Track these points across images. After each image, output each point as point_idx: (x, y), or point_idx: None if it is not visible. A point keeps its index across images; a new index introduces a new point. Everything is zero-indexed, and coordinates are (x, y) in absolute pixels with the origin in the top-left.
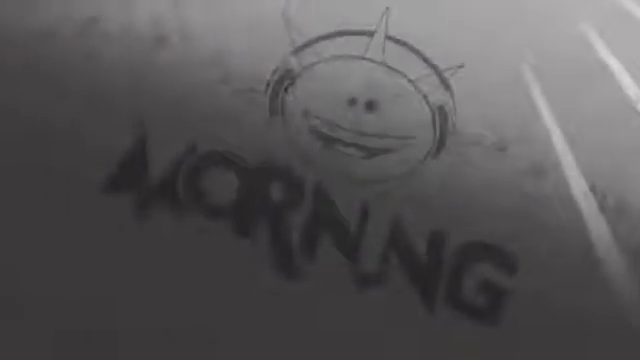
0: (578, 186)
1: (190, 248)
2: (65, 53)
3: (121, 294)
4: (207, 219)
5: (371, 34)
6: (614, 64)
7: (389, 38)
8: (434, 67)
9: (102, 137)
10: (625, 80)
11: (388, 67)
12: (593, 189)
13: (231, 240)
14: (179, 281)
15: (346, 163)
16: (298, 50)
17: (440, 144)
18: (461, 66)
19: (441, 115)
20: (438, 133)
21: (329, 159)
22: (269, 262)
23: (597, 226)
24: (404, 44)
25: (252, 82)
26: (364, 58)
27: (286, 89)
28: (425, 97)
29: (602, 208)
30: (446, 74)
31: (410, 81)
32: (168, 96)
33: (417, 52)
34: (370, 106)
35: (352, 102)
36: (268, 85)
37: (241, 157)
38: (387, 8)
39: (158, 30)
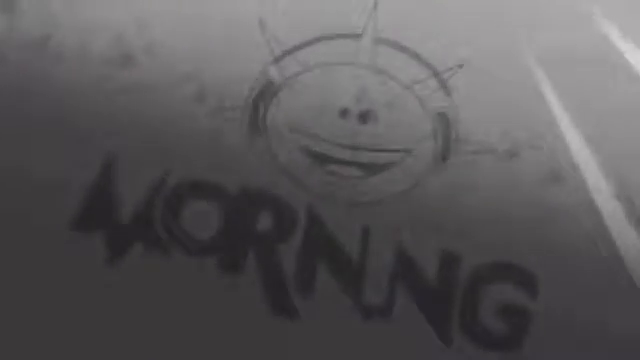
0: (601, 193)
1: (172, 291)
2: (14, 76)
3: (96, 344)
4: (189, 256)
5: (358, 37)
6: (634, 55)
7: (379, 40)
8: (431, 69)
9: (64, 169)
10: None
11: (380, 72)
12: (618, 196)
13: (218, 278)
14: (162, 327)
15: (341, 183)
16: (278, 59)
17: (444, 154)
18: (461, 66)
19: (443, 122)
20: (440, 142)
21: (322, 180)
22: (261, 300)
23: (625, 237)
24: (396, 45)
25: (229, 99)
26: (353, 64)
27: (268, 103)
28: (423, 103)
29: (630, 216)
30: (445, 76)
31: (406, 86)
32: (137, 120)
33: (411, 53)
34: (364, 117)
35: (344, 114)
36: (247, 101)
37: (222, 184)
38: (375, 6)
39: (122, 48)
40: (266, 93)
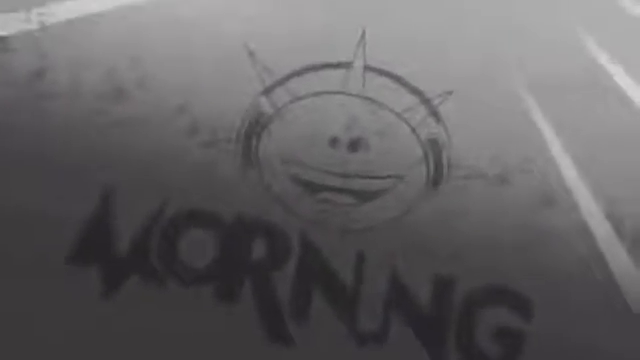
0: (593, 215)
1: (168, 321)
2: (7, 112)
3: None
4: (185, 287)
5: (348, 65)
6: (623, 78)
7: (368, 68)
8: (421, 96)
9: (60, 204)
10: (636, 94)
11: (370, 100)
12: (609, 216)
13: (214, 307)
14: (160, 359)
15: (334, 211)
16: (269, 90)
17: (435, 181)
18: (451, 92)
19: (434, 149)
20: (432, 168)
21: (314, 208)
22: (257, 328)
23: (617, 258)
24: (385, 73)
25: (222, 131)
26: (343, 93)
27: (259, 134)
28: (414, 130)
29: (621, 238)
30: (435, 103)
31: (396, 114)
32: (131, 153)
33: (401, 81)
34: (354, 145)
35: (334, 142)
36: (239, 132)
37: (217, 214)
38: (363, 35)
39: (114, 83)
40: (258, 124)
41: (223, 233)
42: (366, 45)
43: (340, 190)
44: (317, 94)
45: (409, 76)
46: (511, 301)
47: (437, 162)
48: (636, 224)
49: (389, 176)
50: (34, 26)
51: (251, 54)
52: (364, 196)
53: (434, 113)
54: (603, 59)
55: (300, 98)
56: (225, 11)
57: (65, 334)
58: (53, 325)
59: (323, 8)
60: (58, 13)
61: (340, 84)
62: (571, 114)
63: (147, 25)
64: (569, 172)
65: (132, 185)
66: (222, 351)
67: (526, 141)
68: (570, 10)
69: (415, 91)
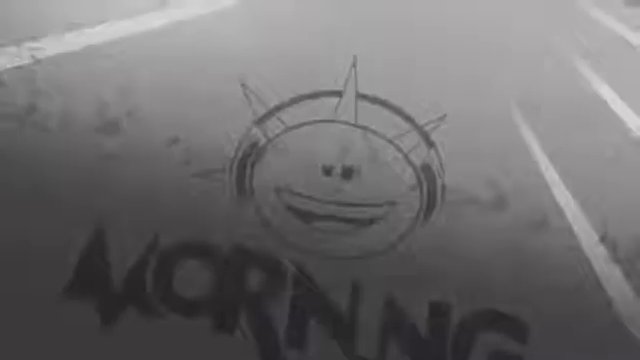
0: (586, 236)
1: (167, 352)
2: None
3: None
4: (182, 318)
5: (339, 94)
6: (614, 98)
7: (360, 96)
8: (413, 122)
9: (54, 237)
10: (626, 113)
11: (362, 128)
12: (603, 238)
13: (211, 338)
14: None
15: (329, 240)
16: (261, 120)
17: (429, 207)
18: (442, 118)
19: (427, 175)
20: (426, 195)
21: (309, 237)
22: (255, 357)
23: (611, 279)
24: (377, 101)
25: (215, 161)
26: (335, 121)
27: (253, 165)
28: (407, 157)
29: (615, 258)
30: (427, 129)
31: (389, 141)
32: (125, 186)
33: (392, 108)
34: (347, 173)
35: (327, 171)
36: (233, 162)
37: (212, 245)
38: (354, 63)
39: (106, 116)
40: (251, 154)
41: (218, 264)
42: (357, 73)
43: (334, 218)
44: (309, 123)
45: (401, 103)
46: (506, 325)
47: (430, 188)
48: (630, 245)
49: (383, 203)
50: (25, 60)
51: (243, 85)
52: (359, 224)
53: (427, 139)
54: (596, 83)
55: (293, 127)
56: (216, 43)
57: None
58: (51, 358)
59: (314, 37)
60: (49, 47)
61: (332, 112)
62: (565, 138)
63: (138, 57)
64: (562, 195)
65: (126, 217)
66: None
67: (519, 166)
68: (564, 37)
69: (407, 118)
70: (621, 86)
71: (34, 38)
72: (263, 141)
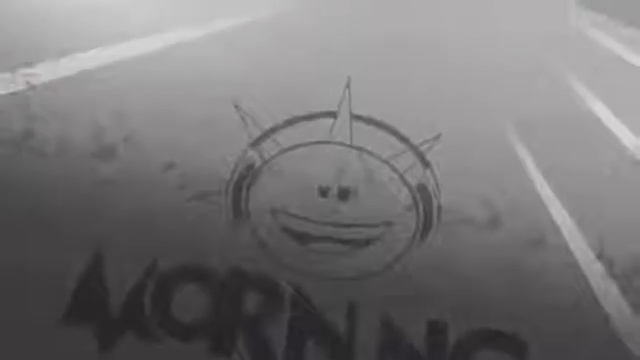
0: (583, 254)
1: None
2: None
3: None
4: (181, 342)
5: (334, 115)
6: (608, 115)
7: (354, 117)
8: (408, 142)
9: (52, 263)
10: (622, 130)
11: (357, 148)
12: (600, 256)
13: None
14: None
15: (325, 261)
16: (256, 142)
17: (426, 227)
18: (437, 137)
19: (423, 194)
20: (422, 214)
21: (306, 259)
22: None
23: (609, 296)
24: (371, 121)
25: (211, 184)
26: (330, 142)
27: (249, 187)
28: (403, 177)
29: (612, 275)
30: (422, 148)
31: (384, 161)
32: (123, 210)
33: (387, 128)
34: (344, 194)
35: (323, 192)
36: (229, 185)
37: (209, 268)
38: (348, 83)
39: (102, 141)
40: (247, 176)
41: (216, 287)
42: (351, 94)
43: (331, 239)
44: (305, 144)
45: (396, 123)
46: (504, 344)
47: (427, 208)
48: (627, 262)
49: (379, 224)
50: (20, 87)
51: (237, 107)
52: (355, 244)
53: (422, 159)
54: (590, 100)
55: (288, 149)
56: (210, 66)
57: None
58: None
59: (307, 59)
60: (43, 73)
61: (327, 133)
62: (560, 156)
63: (132, 83)
64: (558, 213)
65: (124, 242)
66: None
67: (515, 184)
68: (559, 55)
69: (402, 138)
70: (615, 103)
71: (28, 64)
72: (259, 163)
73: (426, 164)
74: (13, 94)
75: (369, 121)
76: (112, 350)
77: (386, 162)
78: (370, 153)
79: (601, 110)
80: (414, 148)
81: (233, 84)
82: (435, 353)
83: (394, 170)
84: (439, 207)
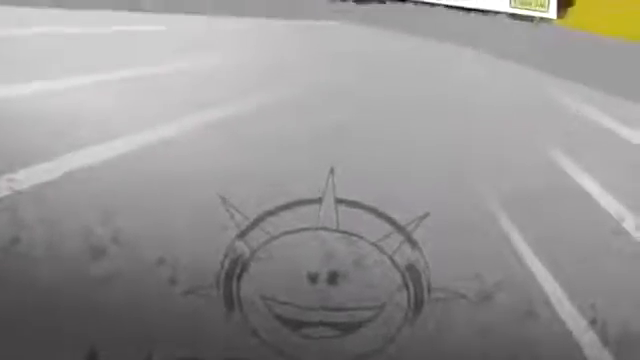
0: (575, 322)
1: None
2: None
3: None
4: None
5: (319, 201)
6: (592, 187)
7: (339, 201)
8: (394, 224)
9: None
10: (607, 200)
11: (344, 233)
12: (592, 323)
13: None
14: None
15: (317, 345)
16: (244, 233)
17: (417, 306)
18: (424, 217)
19: (412, 274)
20: (412, 294)
21: (298, 344)
22: None
23: None
24: (357, 205)
25: (202, 278)
26: (317, 228)
27: (239, 277)
28: (391, 258)
29: (605, 342)
30: (409, 229)
31: (372, 244)
32: (115, 309)
33: (373, 210)
34: (333, 279)
35: (313, 278)
36: (219, 277)
37: (203, 359)
38: (331, 170)
39: (90, 241)
40: (236, 267)
41: None
42: (335, 179)
43: (322, 324)
44: (292, 232)
45: (381, 205)
46: None
47: (417, 287)
48: (619, 328)
49: (370, 307)
50: (5, 192)
51: (224, 200)
52: (347, 328)
53: (409, 239)
54: (573, 170)
55: (275, 237)
56: (194, 162)
57: None
58: None
59: (289, 149)
60: (28, 178)
61: (313, 219)
62: (547, 227)
63: (117, 181)
64: (548, 284)
65: (117, 340)
66: None
67: (503, 257)
68: (545, 129)
69: (388, 219)
70: (603, 176)
71: (11, 170)
72: (247, 254)
73: (414, 244)
74: None
75: (354, 205)
76: None
77: (374, 244)
78: (358, 236)
79: (588, 183)
80: (401, 229)
81: (219, 179)
82: None
83: (382, 252)
84: (429, 285)
